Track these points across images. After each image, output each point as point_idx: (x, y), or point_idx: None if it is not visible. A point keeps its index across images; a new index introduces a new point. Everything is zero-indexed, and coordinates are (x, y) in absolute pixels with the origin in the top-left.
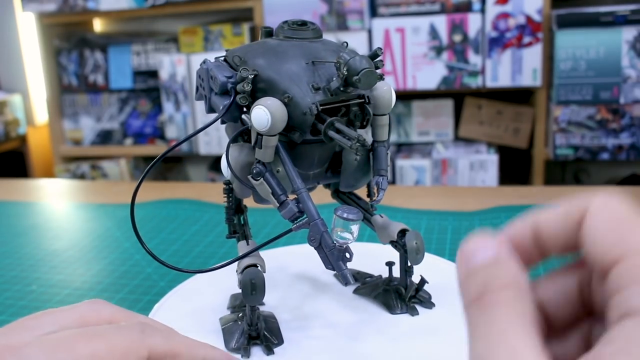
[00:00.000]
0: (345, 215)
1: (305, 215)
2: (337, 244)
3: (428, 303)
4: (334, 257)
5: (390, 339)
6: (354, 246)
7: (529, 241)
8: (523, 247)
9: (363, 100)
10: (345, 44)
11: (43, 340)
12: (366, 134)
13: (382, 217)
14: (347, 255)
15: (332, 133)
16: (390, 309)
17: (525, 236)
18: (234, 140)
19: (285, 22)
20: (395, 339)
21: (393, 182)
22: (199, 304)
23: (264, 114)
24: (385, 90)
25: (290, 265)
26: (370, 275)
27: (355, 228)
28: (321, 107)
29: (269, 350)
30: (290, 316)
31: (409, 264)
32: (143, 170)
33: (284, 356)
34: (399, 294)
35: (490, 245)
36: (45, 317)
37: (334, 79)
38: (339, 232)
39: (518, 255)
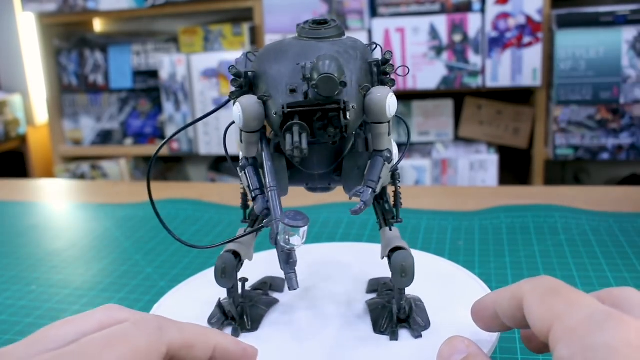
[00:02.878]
0: (286, 221)
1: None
2: (285, 248)
3: (415, 331)
4: (282, 259)
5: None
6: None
7: (491, 315)
8: (488, 319)
9: (337, 106)
10: (374, 45)
11: (72, 350)
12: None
13: (391, 230)
14: (292, 259)
15: (284, 135)
16: (375, 327)
17: (488, 312)
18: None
19: (307, 21)
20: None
21: None
22: (199, 304)
23: (237, 111)
24: (378, 98)
25: (316, 262)
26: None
27: (302, 232)
28: (293, 109)
29: (235, 332)
30: (281, 310)
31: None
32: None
33: (247, 338)
34: (392, 315)
35: (463, 347)
36: (65, 326)
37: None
38: (285, 236)
39: (486, 325)
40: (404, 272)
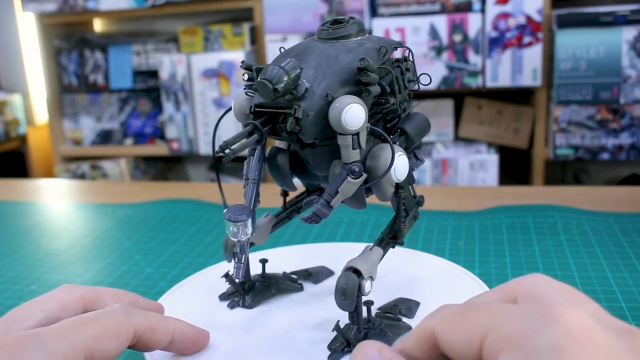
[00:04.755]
0: (227, 215)
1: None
2: (236, 239)
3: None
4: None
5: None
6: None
7: None
8: None
9: (290, 111)
10: (383, 48)
11: (53, 327)
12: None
13: (370, 248)
14: (238, 250)
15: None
16: (330, 343)
17: None
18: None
19: (327, 21)
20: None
21: None
22: (198, 303)
23: (232, 104)
24: (334, 108)
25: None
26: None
27: (248, 226)
28: (260, 109)
29: (232, 305)
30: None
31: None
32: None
33: (233, 315)
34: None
35: (375, 354)
36: (32, 306)
37: None
38: (232, 229)
39: None
40: (343, 295)
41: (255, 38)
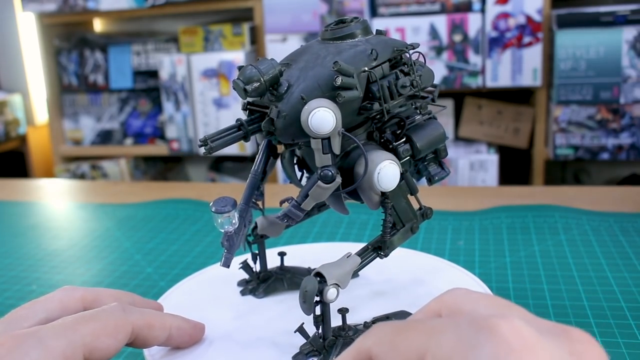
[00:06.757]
0: (213, 208)
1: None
2: (223, 230)
3: None
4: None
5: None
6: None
7: None
8: None
9: (265, 112)
10: (374, 51)
11: (53, 324)
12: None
13: (348, 256)
14: (226, 240)
15: None
16: (301, 345)
17: None
18: None
19: (333, 22)
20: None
21: None
22: (197, 302)
23: None
24: (304, 110)
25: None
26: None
27: (235, 216)
28: (251, 107)
29: (244, 292)
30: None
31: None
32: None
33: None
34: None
35: None
36: (34, 306)
37: None
38: (219, 220)
39: None
40: (303, 298)
41: (255, 38)
